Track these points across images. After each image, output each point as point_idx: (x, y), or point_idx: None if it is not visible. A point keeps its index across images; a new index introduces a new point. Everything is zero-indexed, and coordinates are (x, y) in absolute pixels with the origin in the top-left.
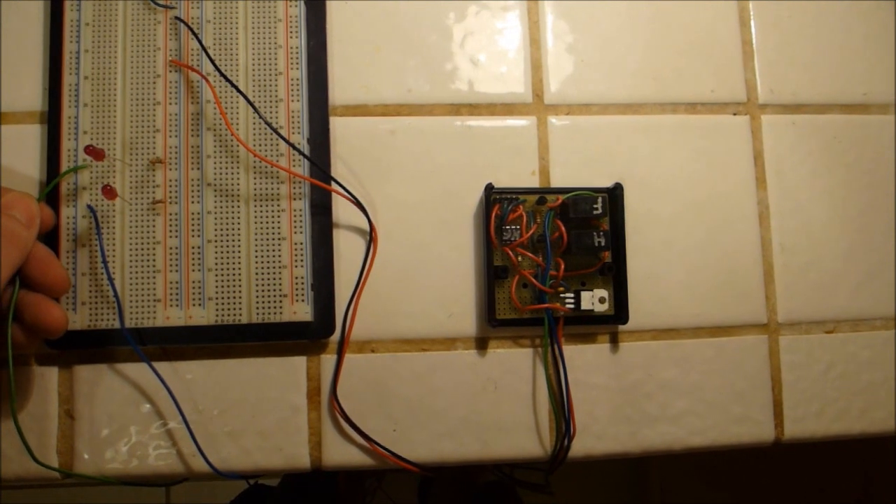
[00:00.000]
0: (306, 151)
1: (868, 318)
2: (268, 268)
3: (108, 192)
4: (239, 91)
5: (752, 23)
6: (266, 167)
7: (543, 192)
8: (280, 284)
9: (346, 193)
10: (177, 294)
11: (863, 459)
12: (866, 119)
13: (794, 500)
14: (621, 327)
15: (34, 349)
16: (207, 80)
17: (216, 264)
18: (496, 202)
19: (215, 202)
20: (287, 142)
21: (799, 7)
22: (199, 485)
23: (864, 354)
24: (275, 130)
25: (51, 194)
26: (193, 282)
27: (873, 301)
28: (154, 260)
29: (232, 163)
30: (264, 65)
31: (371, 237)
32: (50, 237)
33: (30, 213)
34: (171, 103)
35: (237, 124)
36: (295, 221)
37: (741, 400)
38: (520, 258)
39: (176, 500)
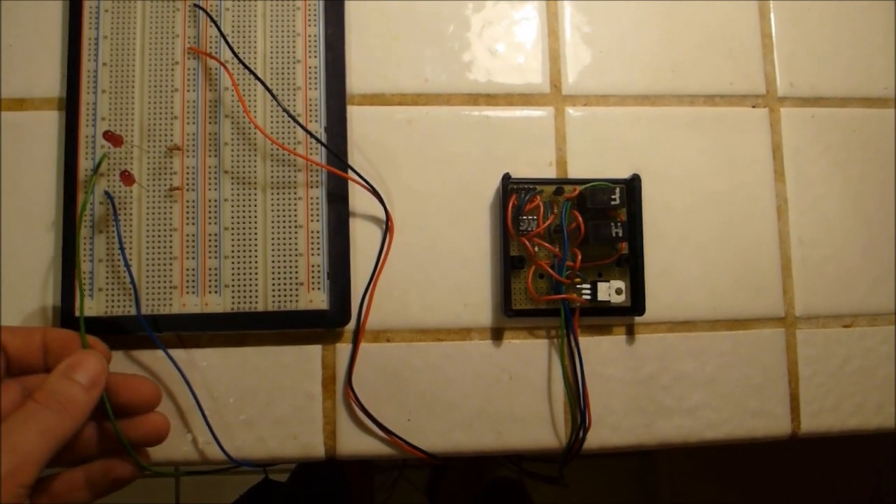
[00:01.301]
0: (324, 139)
1: (886, 313)
2: (284, 256)
3: (127, 177)
4: (258, 78)
5: (772, 15)
6: (283, 155)
7: (561, 183)
8: (296, 272)
9: (362, 182)
10: (193, 281)
11: (875, 458)
12: (886, 113)
13: (805, 499)
14: (637, 319)
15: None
16: (226, 67)
17: (233, 252)
18: (513, 192)
19: (232, 189)
20: (305, 129)
21: (819, 0)
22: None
23: (881, 349)
24: (293, 118)
25: (69, 181)
26: (210, 269)
27: (891, 296)
28: (171, 247)
29: (249, 150)
30: (282, 53)
31: (387, 226)
32: (68, 223)
33: (93, 374)
34: (189, 90)
35: (255, 112)
36: (312, 209)
37: (757, 393)
38: (536, 248)
39: (185, 494)
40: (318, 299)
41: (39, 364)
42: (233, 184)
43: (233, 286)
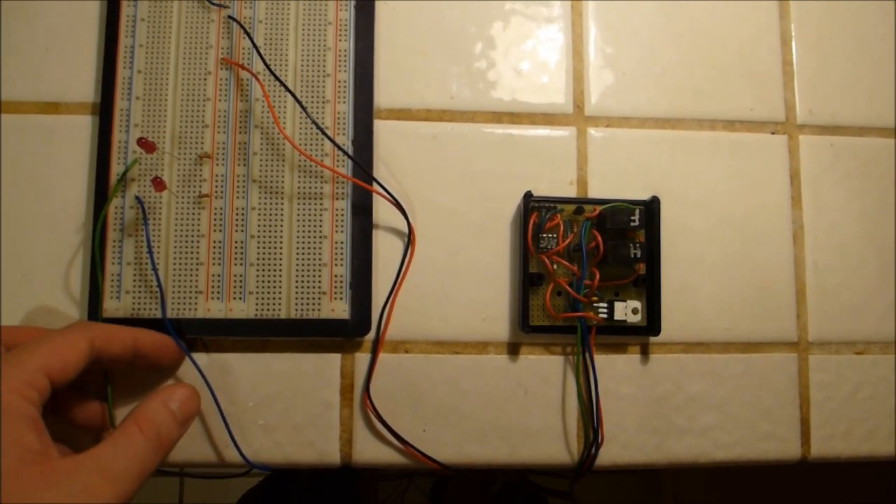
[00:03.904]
0: (350, 153)
1: None
2: (308, 265)
3: (158, 184)
4: (288, 90)
5: (794, 43)
6: (310, 166)
7: (581, 203)
8: (319, 282)
9: (387, 195)
10: (218, 287)
11: (885, 475)
12: None
13: None
14: (652, 339)
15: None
16: (257, 78)
17: (258, 259)
18: (534, 210)
19: (260, 198)
20: (333, 142)
21: (840, 29)
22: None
23: (893, 377)
24: (322, 130)
25: (100, 185)
26: (235, 275)
27: None
28: (198, 253)
29: (277, 160)
30: (313, 66)
31: (409, 239)
32: (101, 227)
33: (189, 411)
34: (220, 100)
35: (284, 123)
36: (336, 221)
37: (768, 416)
38: (555, 266)
39: (189, 494)
40: (339, 309)
41: (126, 366)
42: (260, 193)
43: (257, 293)
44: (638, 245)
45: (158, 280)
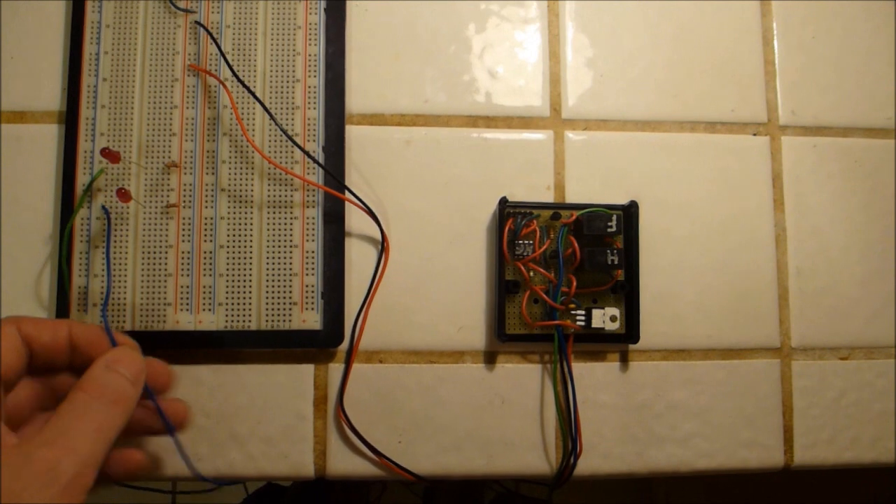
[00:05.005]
0: (321, 159)
1: (883, 346)
2: (279, 275)
3: (123, 195)
4: (256, 98)
5: (776, 43)
6: (280, 174)
7: (558, 208)
8: (290, 292)
9: (359, 203)
10: (187, 298)
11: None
12: (888, 144)
13: None
14: (632, 346)
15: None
16: (225, 86)
17: (227, 270)
18: (510, 216)
19: (229, 208)
20: (303, 150)
21: (823, 28)
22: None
23: (878, 383)
24: (290, 138)
25: (66, 195)
26: (204, 286)
27: (889, 329)
28: (166, 264)
29: (246, 169)
30: (282, 71)
31: (383, 247)
32: (64, 237)
33: (137, 369)
34: (188, 107)
35: (253, 130)
36: (307, 229)
37: (751, 424)
38: (532, 273)
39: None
40: (311, 319)
41: (65, 360)
42: (229, 202)
43: (226, 304)
44: (616, 251)
45: (108, 289)
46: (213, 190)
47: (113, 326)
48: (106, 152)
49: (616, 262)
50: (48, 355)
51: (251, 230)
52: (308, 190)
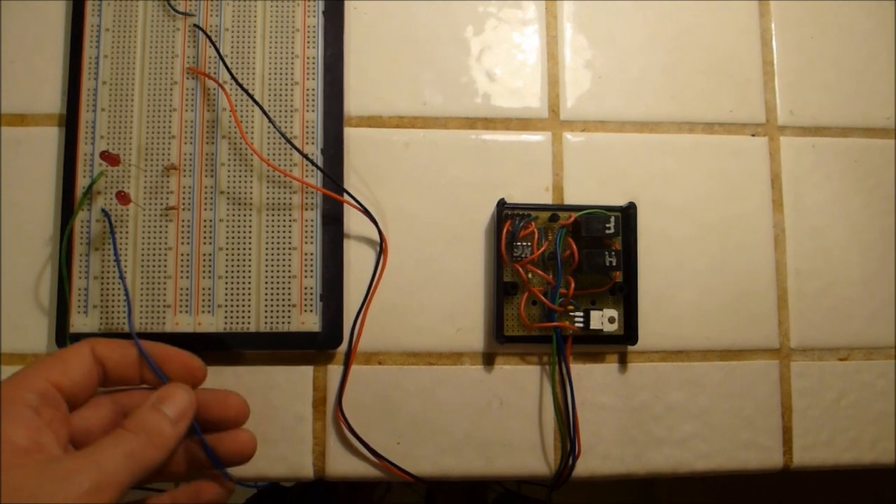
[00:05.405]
0: (320, 162)
1: (883, 347)
2: (277, 277)
3: (122, 197)
4: (255, 101)
5: (774, 43)
6: (279, 176)
7: (556, 210)
8: (289, 294)
9: (357, 205)
10: (187, 300)
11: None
12: (887, 144)
13: None
14: (630, 348)
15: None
16: (224, 89)
17: (226, 272)
18: (508, 218)
19: (228, 210)
20: (301, 153)
21: (822, 29)
22: None
23: (877, 384)
24: (289, 141)
25: (66, 198)
26: (203, 289)
27: (889, 329)
28: (165, 266)
29: (245, 171)
30: (281, 74)
31: (381, 249)
32: (67, 241)
33: (182, 409)
34: (187, 110)
35: (252, 133)
36: (306, 232)
37: (750, 425)
38: (530, 275)
39: None
40: (310, 321)
41: (136, 377)
42: (228, 204)
43: (226, 306)
44: (614, 253)
45: (127, 292)
46: (212, 192)
47: (113, 328)
48: (105, 155)
49: (614, 264)
50: (120, 373)
51: (250, 232)
52: (307, 192)
